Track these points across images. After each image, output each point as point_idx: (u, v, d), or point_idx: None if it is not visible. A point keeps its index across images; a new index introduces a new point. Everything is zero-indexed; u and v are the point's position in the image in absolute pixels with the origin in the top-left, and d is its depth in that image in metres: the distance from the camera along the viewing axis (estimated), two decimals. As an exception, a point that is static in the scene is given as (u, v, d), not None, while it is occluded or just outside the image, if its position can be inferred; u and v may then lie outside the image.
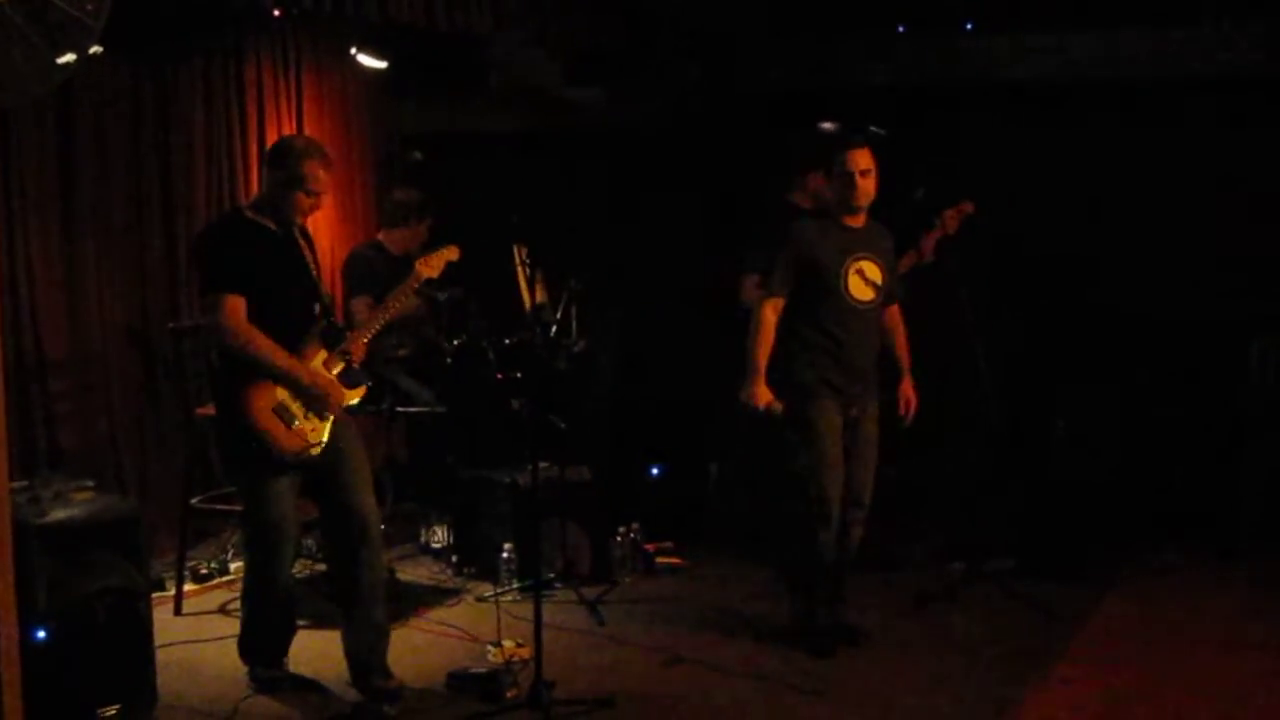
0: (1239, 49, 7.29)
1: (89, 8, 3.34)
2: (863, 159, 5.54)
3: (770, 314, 5.60)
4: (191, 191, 7.36)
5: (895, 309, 5.91)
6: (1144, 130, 7.62)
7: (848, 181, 5.54)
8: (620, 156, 8.48)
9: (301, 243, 5.11)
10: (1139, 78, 7.55)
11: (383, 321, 5.21)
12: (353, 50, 8.01)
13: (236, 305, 4.82)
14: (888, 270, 5.71)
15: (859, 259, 5.61)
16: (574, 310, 6.78)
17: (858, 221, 5.64)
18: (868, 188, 5.55)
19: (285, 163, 4.96)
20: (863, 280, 5.61)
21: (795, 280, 5.60)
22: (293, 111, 7.91)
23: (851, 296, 5.59)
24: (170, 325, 6.58)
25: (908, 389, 5.88)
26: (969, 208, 6.49)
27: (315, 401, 4.93)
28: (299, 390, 4.89)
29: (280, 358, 4.88)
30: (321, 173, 4.98)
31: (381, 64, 8.13)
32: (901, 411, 5.85)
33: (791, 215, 6.52)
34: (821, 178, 6.51)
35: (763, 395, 5.57)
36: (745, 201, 5.98)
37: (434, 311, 6.92)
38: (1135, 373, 7.48)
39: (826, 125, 7.84)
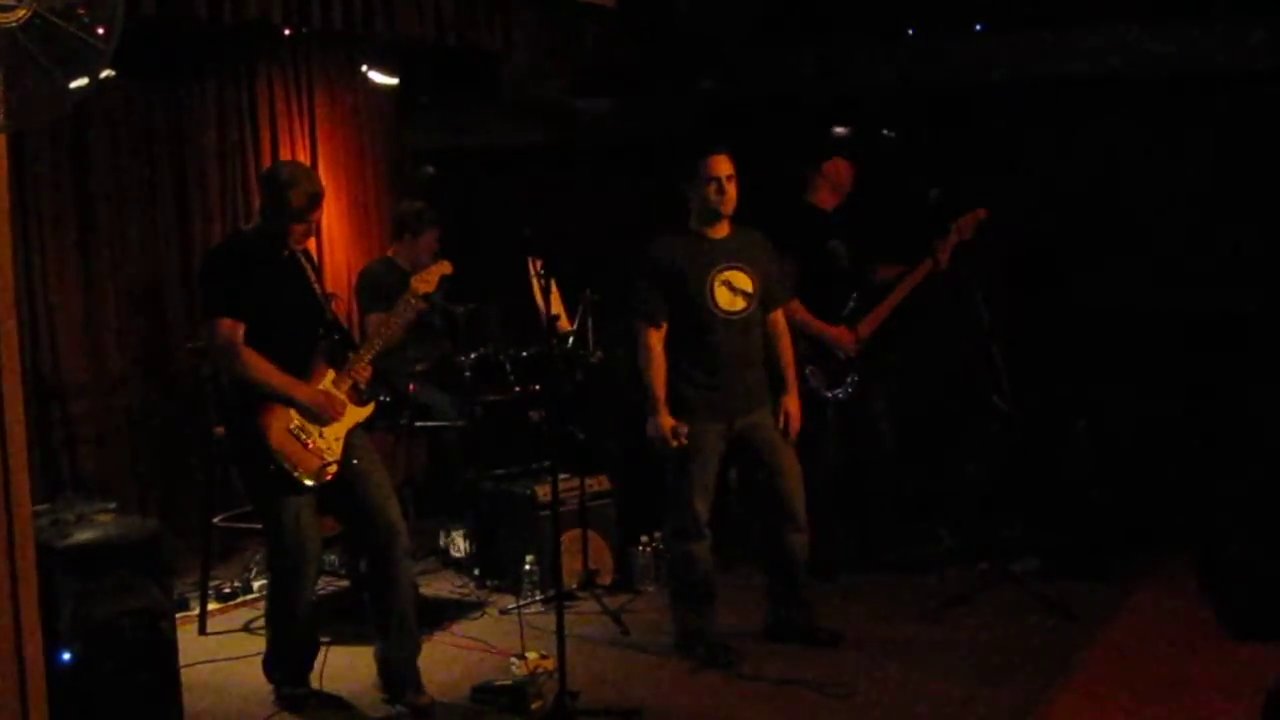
0: (1247, 46, 7.26)
1: (100, 32, 3.34)
2: (725, 165, 5.46)
3: (656, 342, 5.50)
4: (207, 212, 7.41)
5: (779, 315, 5.78)
6: (1159, 127, 7.60)
7: (714, 188, 5.45)
8: (632, 167, 8.49)
9: (304, 263, 5.14)
10: (1152, 74, 7.52)
11: (384, 338, 5.19)
12: (364, 68, 8.04)
13: (231, 329, 4.86)
14: (761, 277, 5.58)
15: (725, 269, 5.51)
16: (590, 321, 6.78)
17: (721, 232, 5.55)
18: (731, 194, 5.47)
19: (272, 192, 4.97)
20: (730, 290, 5.51)
21: (665, 302, 5.50)
22: (305, 130, 7.94)
23: (720, 309, 5.50)
24: (188, 346, 6.61)
25: (790, 403, 5.70)
26: (983, 214, 6.45)
27: (315, 416, 4.95)
28: (297, 406, 4.91)
29: (275, 377, 4.90)
30: (309, 202, 4.97)
31: (393, 81, 8.16)
32: (780, 425, 5.66)
33: (812, 217, 6.54)
34: (840, 163, 6.53)
35: (667, 423, 5.43)
36: (762, 209, 5.98)
37: (451, 325, 6.93)
38: (1156, 370, 7.46)
39: (838, 130, 7.85)
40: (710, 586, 5.69)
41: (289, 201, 4.91)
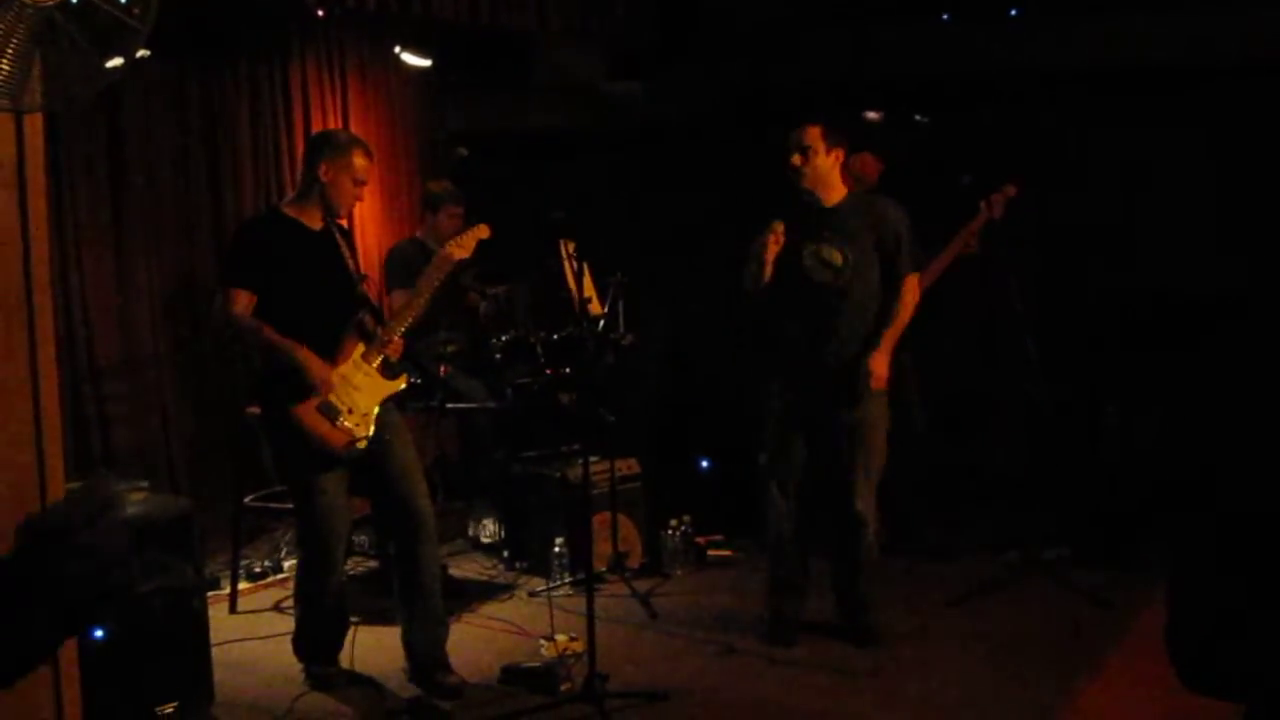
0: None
1: (136, 11, 3.34)
2: (797, 139, 5.38)
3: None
4: (239, 192, 7.42)
5: (909, 281, 5.49)
6: (1190, 114, 7.53)
7: (789, 164, 5.40)
8: (662, 150, 8.48)
9: (339, 240, 5.14)
10: (1183, 62, 7.46)
11: (418, 307, 5.16)
12: (397, 49, 8.04)
13: (240, 299, 4.87)
14: (858, 250, 5.39)
15: (820, 241, 5.38)
16: (620, 304, 6.78)
17: (833, 199, 5.43)
18: (803, 169, 5.38)
19: (331, 153, 5.00)
20: (819, 262, 5.39)
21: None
22: (338, 111, 7.95)
23: (810, 279, 5.40)
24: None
25: (874, 360, 5.40)
26: (1013, 191, 6.43)
27: (322, 384, 4.92)
28: (306, 374, 4.89)
29: (283, 344, 4.87)
30: (366, 162, 5.04)
31: (426, 62, 8.15)
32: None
33: None
34: (866, 157, 6.49)
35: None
36: (791, 195, 5.95)
37: (481, 307, 6.93)
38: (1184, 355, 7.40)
39: (870, 114, 7.81)
40: (788, 554, 5.64)
41: (350, 160, 4.97)
